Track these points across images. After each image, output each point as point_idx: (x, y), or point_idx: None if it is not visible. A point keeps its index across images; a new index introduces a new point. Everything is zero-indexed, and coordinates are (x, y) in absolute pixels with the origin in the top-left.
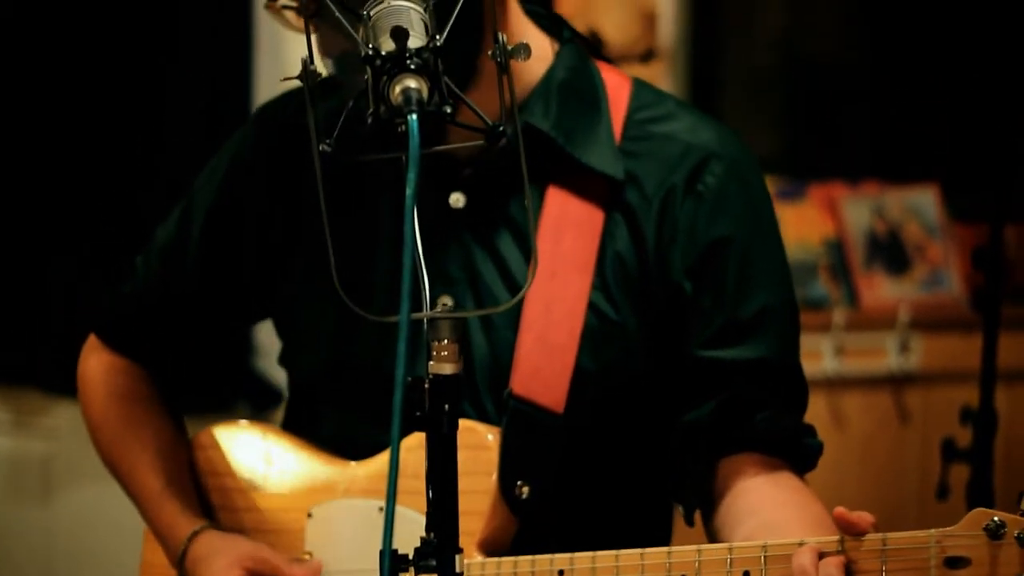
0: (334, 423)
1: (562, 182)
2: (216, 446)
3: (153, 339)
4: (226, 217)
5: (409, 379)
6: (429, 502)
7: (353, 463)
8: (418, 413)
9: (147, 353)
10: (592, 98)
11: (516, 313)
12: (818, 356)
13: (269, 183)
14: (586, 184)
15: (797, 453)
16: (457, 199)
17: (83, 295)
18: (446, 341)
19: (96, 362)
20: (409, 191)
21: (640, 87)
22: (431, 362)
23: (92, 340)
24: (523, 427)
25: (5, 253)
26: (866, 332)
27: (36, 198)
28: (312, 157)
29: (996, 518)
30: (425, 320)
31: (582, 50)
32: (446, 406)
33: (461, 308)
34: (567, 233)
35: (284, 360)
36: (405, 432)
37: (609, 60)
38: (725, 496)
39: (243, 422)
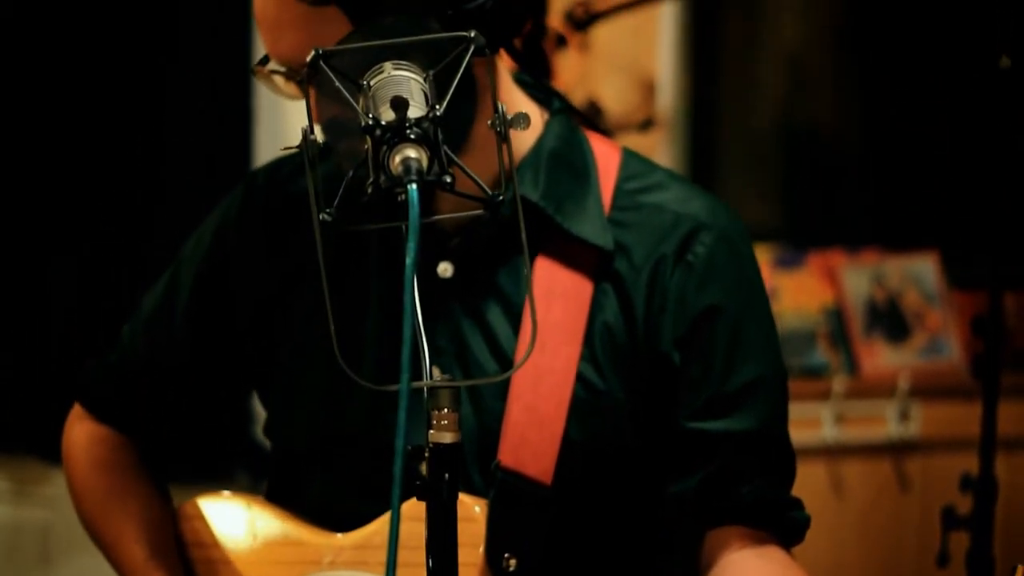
0: (320, 494)
1: (551, 252)
2: (201, 517)
3: (138, 409)
4: (214, 285)
5: (409, 448)
6: (429, 571)
7: (339, 535)
8: (417, 482)
9: (132, 423)
10: (581, 168)
11: (504, 384)
12: (818, 424)
13: (257, 250)
14: (575, 254)
15: (784, 526)
16: (445, 269)
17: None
18: (446, 410)
19: (80, 431)
20: (409, 260)
21: (629, 157)
22: (431, 431)
23: (77, 409)
24: (511, 499)
25: (4, 324)
26: (866, 400)
27: (34, 263)
28: (305, 224)
29: None
30: (425, 389)
31: (571, 120)
32: (446, 475)
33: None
34: (556, 303)
35: (269, 430)
36: (400, 501)
37: (604, 131)
38: (711, 568)
39: (226, 493)
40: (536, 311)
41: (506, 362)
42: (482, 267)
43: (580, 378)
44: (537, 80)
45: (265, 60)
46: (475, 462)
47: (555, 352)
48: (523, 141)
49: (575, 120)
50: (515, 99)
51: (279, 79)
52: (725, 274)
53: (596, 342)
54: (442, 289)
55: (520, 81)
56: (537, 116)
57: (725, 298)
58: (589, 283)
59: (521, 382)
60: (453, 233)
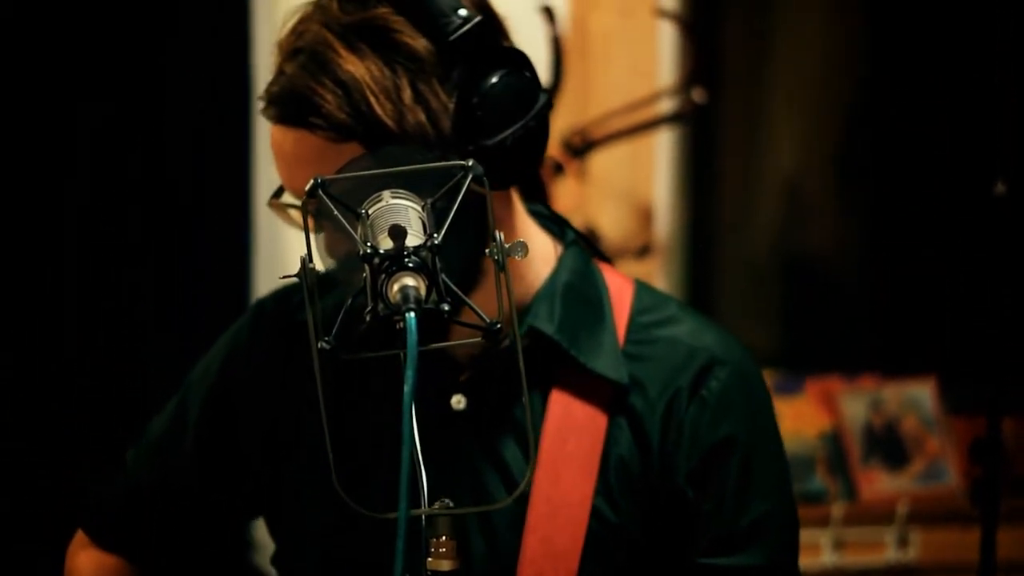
0: None
1: (566, 385)
2: None
3: (144, 538)
4: (222, 413)
5: None
6: None
7: None
8: None
9: (137, 551)
10: (596, 301)
11: (520, 516)
12: (817, 550)
13: (266, 379)
14: (590, 387)
15: None
16: (459, 401)
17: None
18: (444, 537)
19: (84, 559)
20: (407, 388)
21: (642, 290)
22: (429, 559)
23: (80, 536)
24: None
25: (9, 453)
26: (865, 526)
27: (39, 396)
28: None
29: None
30: (423, 517)
31: (585, 252)
32: None
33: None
34: (571, 436)
35: (278, 560)
36: None
37: (606, 258)
38: None
39: None
40: (551, 444)
41: (520, 494)
42: (496, 399)
43: (595, 512)
44: (551, 212)
45: (279, 192)
46: None
47: (570, 485)
48: (538, 273)
49: (588, 252)
50: (529, 231)
51: (294, 212)
52: (738, 409)
53: (611, 476)
54: (456, 421)
55: (534, 212)
56: (551, 249)
57: (737, 432)
58: (604, 416)
59: (537, 515)
60: (466, 365)
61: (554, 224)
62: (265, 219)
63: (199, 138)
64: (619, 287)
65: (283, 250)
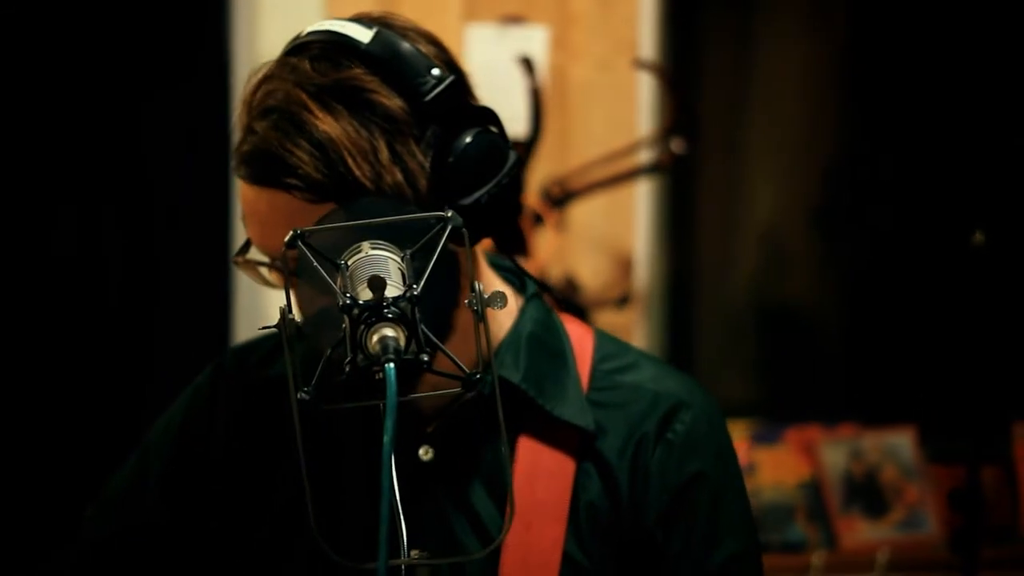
0: None
1: (533, 433)
2: None
3: None
4: (184, 470)
5: None
6: None
7: None
8: None
9: None
10: (559, 350)
11: (493, 564)
12: None
13: (229, 436)
14: (556, 434)
15: None
16: (426, 451)
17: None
18: None
19: None
20: (386, 439)
21: (602, 338)
22: None
23: None
24: None
25: None
26: (845, 575)
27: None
28: (278, 407)
29: None
30: (403, 567)
31: (546, 303)
32: None
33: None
34: (540, 483)
35: None
36: None
37: (580, 307)
38: None
39: None
40: (521, 491)
41: (491, 542)
42: (463, 449)
43: (567, 558)
44: (512, 263)
45: (245, 249)
46: None
47: (541, 532)
48: (501, 325)
49: (549, 303)
50: (491, 283)
51: (263, 268)
52: (704, 447)
53: (581, 522)
54: (423, 472)
55: (495, 264)
56: (512, 300)
57: (704, 469)
58: (572, 463)
59: (511, 562)
60: (432, 416)
61: (514, 276)
62: None
63: (179, 188)
64: (580, 336)
65: (262, 299)
